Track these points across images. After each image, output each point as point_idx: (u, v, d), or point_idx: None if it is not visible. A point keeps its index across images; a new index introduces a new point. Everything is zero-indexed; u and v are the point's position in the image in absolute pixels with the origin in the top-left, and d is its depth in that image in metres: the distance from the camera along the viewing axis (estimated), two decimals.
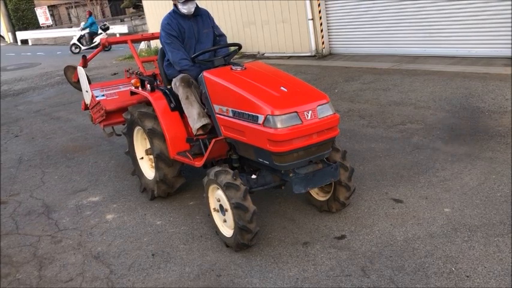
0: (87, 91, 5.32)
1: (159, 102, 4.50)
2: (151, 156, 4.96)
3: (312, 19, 11.87)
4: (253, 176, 3.79)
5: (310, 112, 3.39)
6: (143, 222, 4.44)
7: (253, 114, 3.45)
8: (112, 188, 5.35)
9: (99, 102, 5.14)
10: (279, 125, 3.31)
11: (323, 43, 12.13)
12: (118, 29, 27.23)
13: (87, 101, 5.42)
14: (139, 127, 4.77)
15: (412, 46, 10.22)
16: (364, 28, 11.24)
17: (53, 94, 12.45)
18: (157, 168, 4.53)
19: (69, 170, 6.20)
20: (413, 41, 10.19)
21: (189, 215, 4.44)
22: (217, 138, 3.91)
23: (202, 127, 4.20)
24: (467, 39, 9.17)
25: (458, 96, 6.99)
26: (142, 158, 5.05)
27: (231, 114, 3.72)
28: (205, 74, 4.00)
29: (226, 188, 3.49)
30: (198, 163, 4.10)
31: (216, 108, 3.91)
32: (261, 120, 3.39)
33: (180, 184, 4.69)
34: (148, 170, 5.00)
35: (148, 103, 4.66)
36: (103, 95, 5.26)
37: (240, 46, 4.48)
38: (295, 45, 12.74)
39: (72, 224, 4.58)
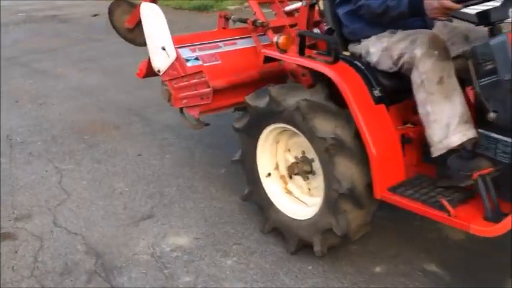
0: (164, 48, 2.98)
1: (352, 86, 2.32)
2: (284, 173, 2.84)
3: None
4: None
5: None
6: None
7: None
8: (201, 217, 3.15)
9: (200, 71, 2.82)
10: None
11: None
12: None
13: (161, 64, 3.06)
14: (281, 125, 2.59)
15: None
16: None
17: (22, 36, 9.63)
18: (336, 210, 2.39)
19: (101, 168, 3.90)
20: None
21: None
22: None
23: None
24: None
25: None
26: (269, 174, 2.87)
27: None
28: None
29: None
30: (488, 230, 1.96)
31: None
32: None
33: (361, 235, 2.59)
34: (281, 196, 2.84)
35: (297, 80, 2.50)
36: (196, 59, 2.96)
37: None
38: None
39: None
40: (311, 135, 2.41)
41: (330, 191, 2.40)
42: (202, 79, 2.81)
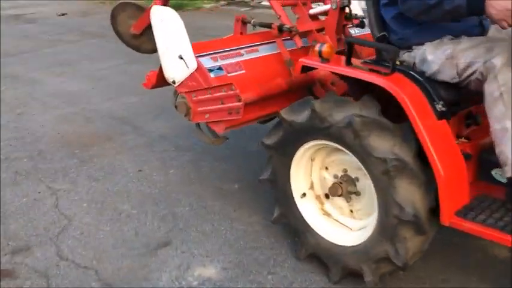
0: (181, 57, 2.65)
1: (413, 100, 2.08)
2: (320, 192, 2.60)
3: None
4: None
5: None
6: None
7: None
8: (224, 242, 2.84)
9: (230, 84, 2.50)
10: None
11: None
12: None
13: (178, 74, 2.71)
14: (323, 142, 2.33)
15: None
16: None
17: None
18: (395, 238, 2.15)
19: (99, 187, 3.53)
20: None
21: None
22: None
23: None
24: None
25: None
26: (304, 194, 2.61)
27: None
28: None
29: None
30: None
31: None
32: None
33: (414, 260, 2.36)
34: (319, 219, 2.58)
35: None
36: (220, 69, 2.65)
37: None
38: None
39: None
40: (365, 155, 2.16)
41: (388, 217, 2.15)
42: (231, 92, 2.51)
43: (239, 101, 2.48)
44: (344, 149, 2.28)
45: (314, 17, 2.98)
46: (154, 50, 3.17)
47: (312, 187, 2.64)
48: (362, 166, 2.22)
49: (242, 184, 3.48)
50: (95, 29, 9.43)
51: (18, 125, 4.74)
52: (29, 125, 4.73)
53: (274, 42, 2.94)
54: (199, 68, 2.63)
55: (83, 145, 4.24)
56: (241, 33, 3.05)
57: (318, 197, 2.64)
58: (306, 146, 2.45)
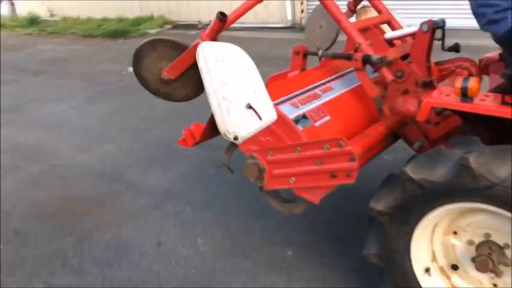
0: (251, 106, 1.95)
1: None
2: (443, 263, 2.04)
3: None
4: None
5: None
6: None
7: None
8: None
9: (337, 139, 1.81)
10: None
11: (302, 11, 9.52)
12: None
13: (242, 128, 2.01)
14: (473, 205, 1.77)
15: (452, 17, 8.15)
16: None
17: None
18: None
19: (117, 275, 2.72)
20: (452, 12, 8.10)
21: None
22: None
23: None
24: None
25: None
26: (427, 270, 2.02)
27: None
28: None
29: None
30: None
31: None
32: None
33: None
34: None
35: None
36: (304, 117, 1.99)
37: None
38: (261, 13, 9.86)
39: None
40: None
41: None
42: (338, 149, 1.85)
43: (352, 160, 1.85)
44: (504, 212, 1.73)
45: (389, 43, 2.43)
46: (189, 97, 2.47)
47: (434, 258, 2.06)
48: None
49: (294, 248, 2.84)
50: (30, 65, 8.37)
51: None
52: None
53: (345, 75, 2.36)
54: (282, 119, 1.96)
55: (71, 216, 3.39)
56: (303, 69, 2.41)
57: (442, 270, 2.07)
58: (441, 209, 1.87)
